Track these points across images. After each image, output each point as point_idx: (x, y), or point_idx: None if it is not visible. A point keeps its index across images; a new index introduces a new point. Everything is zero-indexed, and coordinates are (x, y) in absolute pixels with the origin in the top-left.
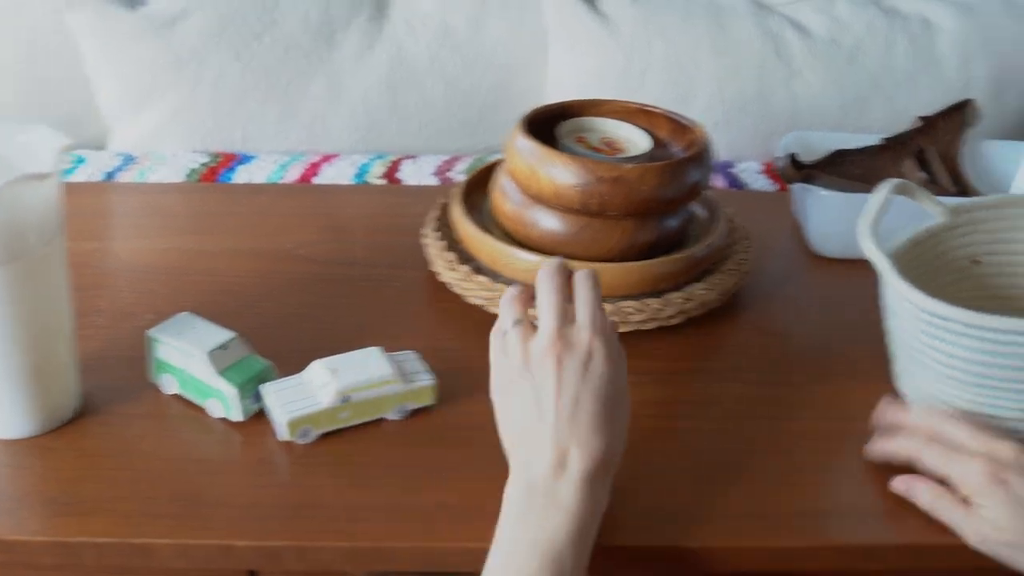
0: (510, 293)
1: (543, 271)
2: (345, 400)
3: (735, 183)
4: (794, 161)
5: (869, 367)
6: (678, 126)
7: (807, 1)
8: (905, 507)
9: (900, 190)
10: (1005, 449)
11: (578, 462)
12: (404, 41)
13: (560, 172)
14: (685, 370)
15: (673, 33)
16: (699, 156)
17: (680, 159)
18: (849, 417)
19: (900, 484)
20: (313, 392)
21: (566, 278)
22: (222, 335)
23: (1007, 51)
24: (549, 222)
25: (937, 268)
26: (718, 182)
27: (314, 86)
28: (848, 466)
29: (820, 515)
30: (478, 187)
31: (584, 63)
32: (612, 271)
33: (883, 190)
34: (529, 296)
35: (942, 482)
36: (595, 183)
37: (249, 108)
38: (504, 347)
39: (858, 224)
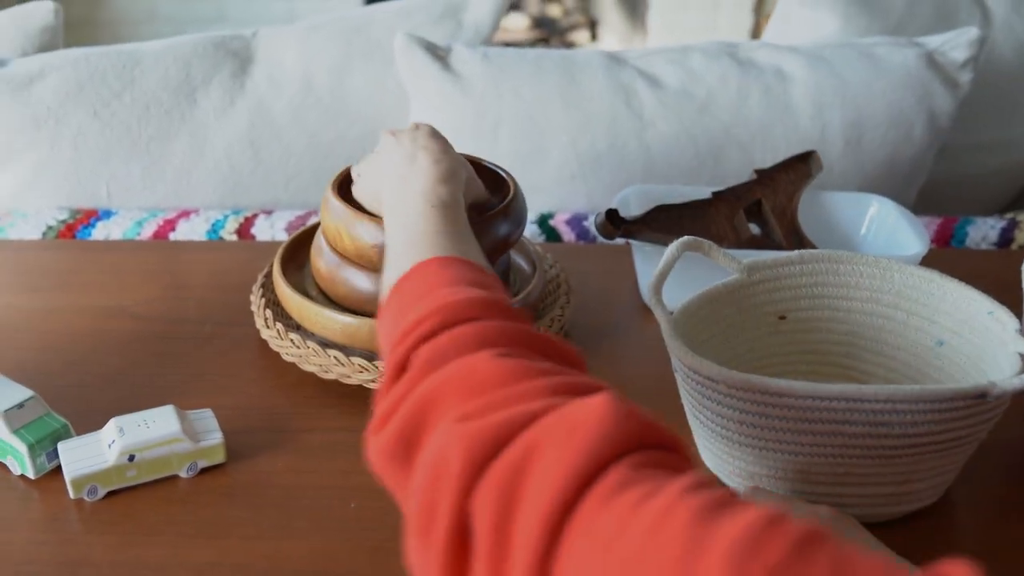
0: None
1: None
2: (131, 459)
3: (587, 236)
4: (613, 216)
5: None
6: (497, 178)
7: (660, 53)
8: None
9: (691, 247)
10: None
11: (450, 187)
12: (266, 96)
13: (362, 231)
14: None
15: (524, 88)
16: (507, 210)
17: (485, 216)
18: None
19: None
20: (102, 451)
21: None
22: (19, 394)
23: (861, 98)
24: (358, 281)
25: (743, 323)
26: (569, 235)
27: (177, 142)
28: None
29: None
30: (305, 245)
31: (440, 118)
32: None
33: (673, 247)
34: None
35: None
36: None
37: (112, 165)
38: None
39: (649, 281)
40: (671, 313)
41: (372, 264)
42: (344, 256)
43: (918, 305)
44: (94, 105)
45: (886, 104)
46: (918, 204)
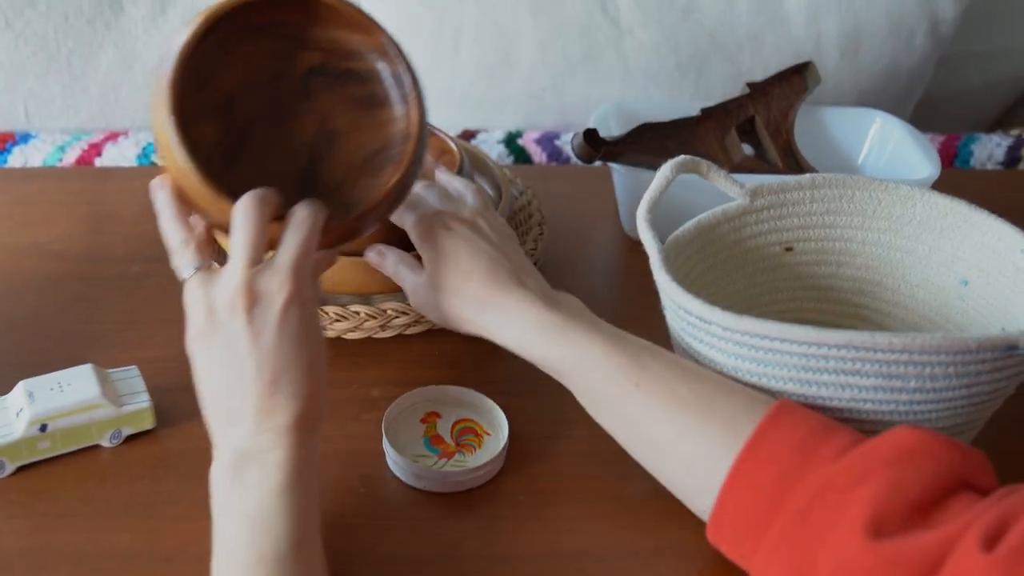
0: (180, 233)
1: (242, 200)
2: (42, 429)
3: (559, 157)
4: (592, 137)
5: None
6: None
7: None
8: None
9: (688, 167)
10: (464, 204)
11: (282, 413)
12: (201, 3)
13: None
14: (453, 380)
15: None
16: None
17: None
18: None
19: (372, 253)
20: (9, 420)
21: (272, 212)
22: None
23: (859, 4)
24: None
25: (744, 255)
26: (540, 156)
27: (102, 56)
28: None
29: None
30: None
31: (394, 23)
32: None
33: (667, 168)
34: (210, 237)
35: None
36: None
37: (28, 82)
38: (188, 295)
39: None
40: (661, 243)
41: None
42: None
43: (942, 239)
44: (5, 14)
45: (886, 10)
46: (913, 119)
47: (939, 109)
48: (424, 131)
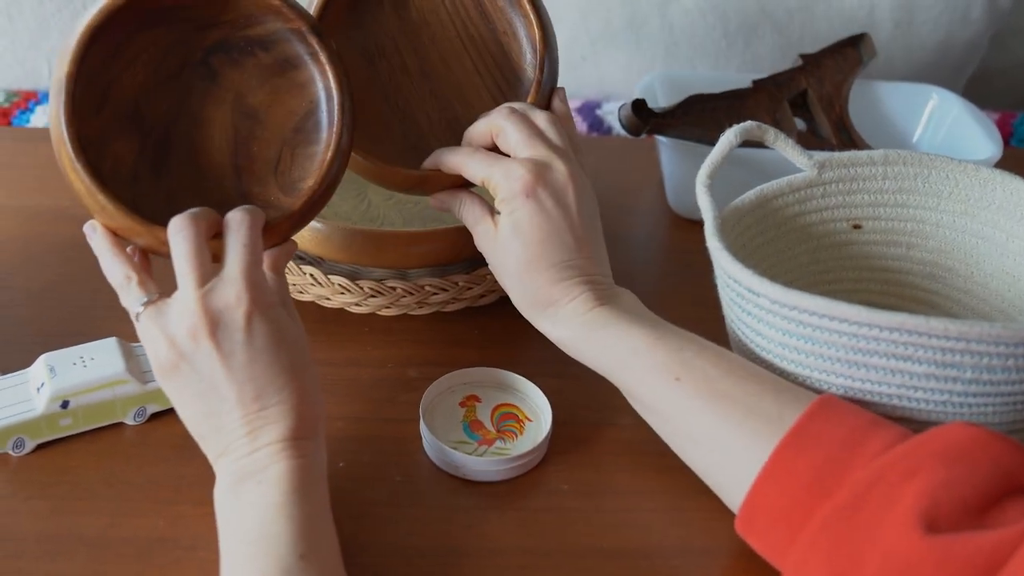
0: (121, 269)
1: (173, 222)
2: (64, 405)
3: (600, 127)
4: (640, 108)
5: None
6: None
7: None
8: None
9: (753, 135)
10: (553, 161)
11: (274, 428)
12: None
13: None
14: (492, 360)
15: None
16: None
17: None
18: None
19: (436, 200)
20: (29, 395)
21: (208, 227)
22: None
23: None
24: None
25: (807, 228)
26: (580, 126)
27: None
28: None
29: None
30: None
31: None
32: (401, 238)
33: (730, 135)
34: (148, 264)
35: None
36: None
37: (52, 39)
38: (143, 332)
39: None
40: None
41: None
42: None
43: (1021, 226)
44: None
45: None
46: (964, 95)
47: (991, 84)
48: (344, 84)
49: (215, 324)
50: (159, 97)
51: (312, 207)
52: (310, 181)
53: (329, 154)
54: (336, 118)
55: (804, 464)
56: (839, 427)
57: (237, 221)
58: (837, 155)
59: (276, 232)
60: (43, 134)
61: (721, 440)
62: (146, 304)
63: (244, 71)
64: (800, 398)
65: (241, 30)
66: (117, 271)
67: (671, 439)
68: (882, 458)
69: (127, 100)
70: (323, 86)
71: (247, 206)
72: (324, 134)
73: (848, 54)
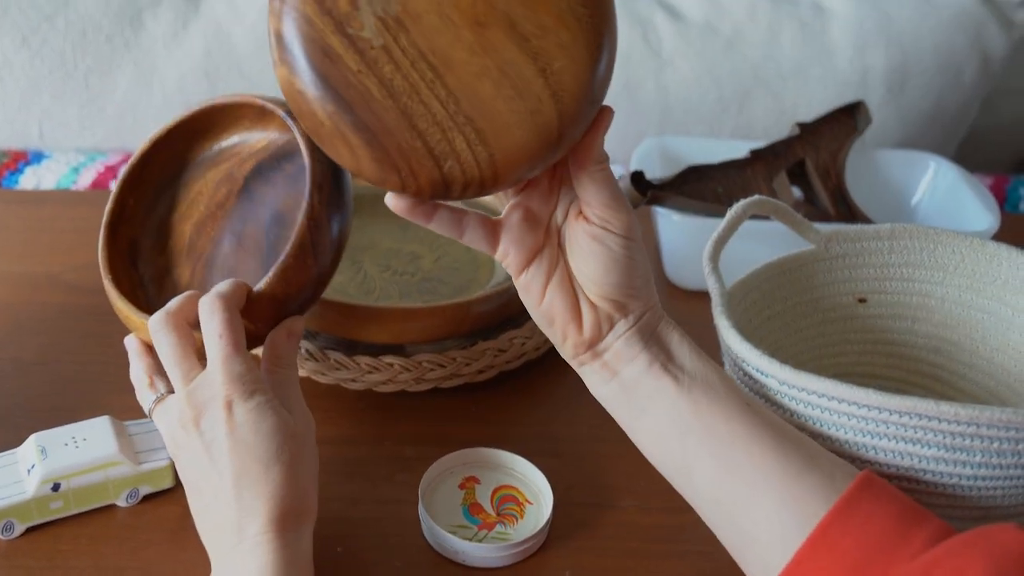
0: (140, 374)
1: (151, 324)
2: (55, 488)
3: None
4: (639, 180)
5: None
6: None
7: None
8: None
9: (763, 208)
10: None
11: (254, 519)
12: (224, 19)
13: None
14: (490, 438)
15: None
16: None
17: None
18: None
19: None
20: (19, 477)
21: (185, 318)
22: None
23: (907, 38)
24: None
25: (813, 303)
26: None
27: (120, 74)
28: None
29: None
30: None
31: None
32: (401, 313)
33: (739, 207)
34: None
35: None
36: None
37: (44, 101)
38: (160, 429)
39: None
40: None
41: None
42: None
43: None
44: (22, 30)
45: (934, 45)
46: (956, 158)
47: (983, 146)
48: (318, 163)
49: (199, 416)
50: (209, 228)
51: (283, 274)
52: (278, 263)
53: (301, 216)
54: (308, 180)
55: (850, 543)
56: (887, 507)
57: (207, 311)
58: (844, 229)
59: (260, 305)
60: (32, 196)
61: (780, 488)
62: (155, 402)
63: (275, 188)
64: (845, 466)
65: (270, 154)
66: (138, 374)
67: (694, 467)
68: (927, 555)
69: (181, 241)
70: (305, 159)
71: (224, 282)
72: (299, 217)
73: (844, 122)
